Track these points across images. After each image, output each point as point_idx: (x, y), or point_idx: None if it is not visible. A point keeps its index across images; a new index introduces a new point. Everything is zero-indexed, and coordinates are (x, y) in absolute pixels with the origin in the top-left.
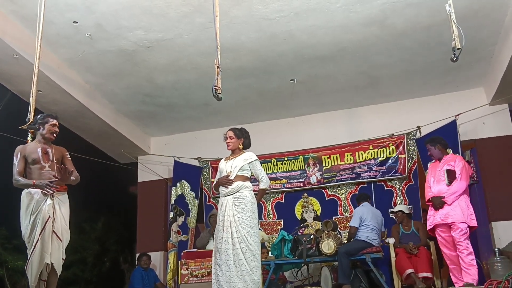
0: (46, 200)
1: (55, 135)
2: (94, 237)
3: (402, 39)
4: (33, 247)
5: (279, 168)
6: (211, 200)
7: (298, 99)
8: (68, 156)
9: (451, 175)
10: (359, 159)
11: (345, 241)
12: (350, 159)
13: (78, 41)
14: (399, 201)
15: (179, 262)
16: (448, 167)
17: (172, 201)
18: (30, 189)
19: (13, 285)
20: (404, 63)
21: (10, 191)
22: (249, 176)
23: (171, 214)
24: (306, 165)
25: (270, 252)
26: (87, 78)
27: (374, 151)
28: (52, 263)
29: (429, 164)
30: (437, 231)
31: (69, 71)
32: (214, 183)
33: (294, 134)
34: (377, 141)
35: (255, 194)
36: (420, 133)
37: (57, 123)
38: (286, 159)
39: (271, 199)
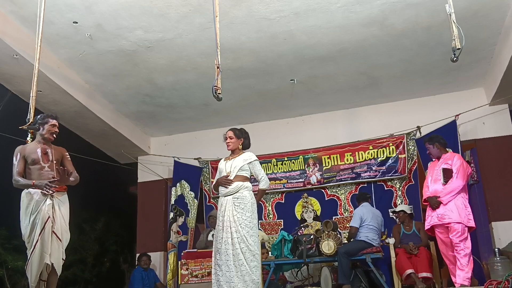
0: (45, 200)
1: (54, 135)
2: (94, 237)
3: (402, 39)
4: (32, 247)
5: (279, 168)
6: (211, 200)
7: (298, 99)
8: (68, 156)
9: (447, 174)
10: (359, 159)
11: (345, 241)
12: (350, 159)
13: (78, 41)
14: (399, 201)
15: (179, 262)
16: (445, 166)
17: (172, 201)
18: (30, 190)
19: (13, 285)
20: (404, 63)
21: (10, 191)
22: (249, 177)
23: (171, 215)
24: (306, 165)
25: (270, 252)
26: (87, 78)
27: (374, 151)
28: (52, 263)
29: (429, 163)
30: (435, 232)
31: (69, 71)
32: (213, 183)
33: (294, 134)
34: (377, 141)
35: (254, 194)
36: (420, 133)
37: (57, 124)
38: (286, 159)
39: (271, 199)
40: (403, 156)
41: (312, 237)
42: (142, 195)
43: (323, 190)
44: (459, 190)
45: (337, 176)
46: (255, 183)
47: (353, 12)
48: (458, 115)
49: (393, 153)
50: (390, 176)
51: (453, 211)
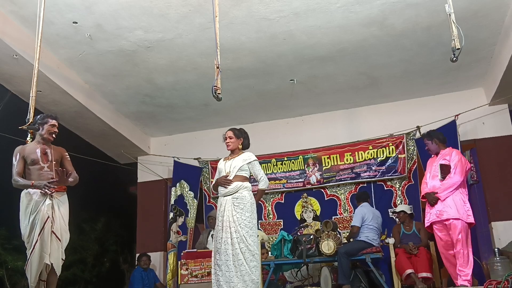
0: (45, 200)
1: (54, 135)
2: (94, 238)
3: (401, 39)
4: (32, 247)
5: (279, 168)
6: (211, 200)
7: (298, 99)
8: (68, 156)
9: (444, 170)
10: (358, 159)
11: (345, 241)
12: (350, 159)
13: (78, 42)
14: (399, 201)
15: (179, 262)
16: (443, 162)
17: (172, 202)
18: (29, 190)
19: (13, 285)
20: (404, 64)
21: (10, 191)
22: (248, 177)
23: (171, 215)
24: (305, 165)
25: (270, 253)
26: (87, 79)
27: (373, 151)
28: (51, 264)
29: (428, 160)
30: (434, 229)
31: (69, 72)
32: (213, 183)
33: (293, 134)
34: (377, 141)
35: (254, 194)
36: (420, 133)
37: (56, 124)
38: (285, 159)
39: (271, 199)
40: (403, 156)
41: (311, 237)
42: (142, 195)
43: (322, 190)
44: (457, 186)
45: (337, 176)
46: (255, 183)
47: (353, 12)
48: (458, 115)
49: (393, 153)
50: (390, 176)
51: (452, 207)
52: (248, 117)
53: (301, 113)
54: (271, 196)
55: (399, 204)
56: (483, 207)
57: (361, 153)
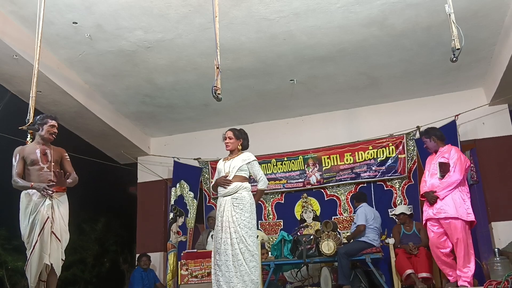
0: (45, 201)
1: (53, 136)
2: (94, 238)
3: (401, 39)
4: (32, 247)
5: (279, 168)
6: (211, 200)
7: (298, 99)
8: (67, 157)
9: (443, 168)
10: (358, 159)
11: (345, 241)
12: (350, 159)
13: (78, 42)
14: (399, 201)
15: (179, 262)
16: (441, 160)
17: (172, 202)
18: (29, 190)
19: (13, 285)
20: (404, 64)
21: (10, 191)
22: (248, 177)
23: (171, 215)
24: (305, 166)
25: (270, 253)
26: (86, 79)
27: (373, 151)
28: (51, 264)
29: (427, 158)
30: (428, 225)
31: (68, 72)
32: (212, 183)
33: (293, 135)
34: (377, 141)
35: (253, 194)
36: (420, 133)
37: (56, 124)
38: (285, 159)
39: (271, 200)
40: (402, 156)
41: (311, 237)
42: (142, 195)
43: (322, 190)
44: (457, 184)
45: (337, 176)
46: (254, 184)
47: (353, 13)
48: (457, 115)
49: (392, 153)
50: (390, 176)
51: (450, 206)
52: (248, 117)
53: (301, 113)
54: (271, 196)
55: (399, 204)
56: (483, 207)
57: (361, 153)
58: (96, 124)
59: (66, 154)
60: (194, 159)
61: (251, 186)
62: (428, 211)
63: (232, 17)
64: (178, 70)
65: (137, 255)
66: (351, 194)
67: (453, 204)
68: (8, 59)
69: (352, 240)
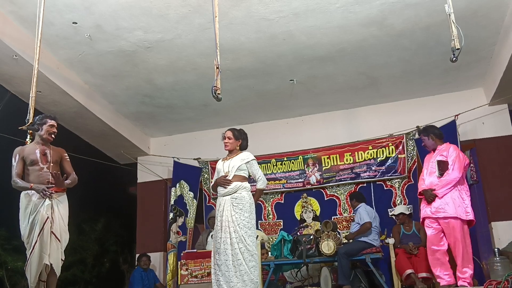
0: (44, 201)
1: (53, 136)
2: (94, 238)
3: (401, 39)
4: (31, 248)
5: (279, 168)
6: (211, 200)
7: (298, 99)
8: (67, 157)
9: (442, 166)
10: (358, 159)
11: (345, 241)
12: (350, 159)
13: (78, 42)
14: (399, 201)
15: (179, 262)
16: (440, 158)
17: (172, 202)
18: (29, 191)
19: (13, 286)
20: (403, 64)
21: (10, 192)
22: (247, 176)
23: (171, 215)
24: (305, 165)
25: (270, 253)
26: (86, 79)
27: (373, 151)
28: (51, 264)
29: (425, 156)
30: (425, 223)
31: (68, 72)
32: (212, 183)
33: (293, 135)
34: (377, 141)
35: (252, 194)
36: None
37: (55, 124)
38: (285, 159)
39: (271, 200)
40: (402, 156)
41: (311, 237)
42: (141, 195)
43: (322, 190)
44: (455, 183)
45: (337, 176)
46: (253, 184)
47: (352, 13)
48: (457, 115)
49: (392, 153)
50: (390, 176)
51: (449, 205)
52: (247, 117)
53: (300, 113)
54: (270, 196)
55: (398, 204)
56: (483, 207)
57: (361, 153)
58: (96, 124)
59: (66, 155)
60: (194, 159)
61: (251, 186)
62: (426, 210)
63: (231, 17)
64: (178, 70)
65: (137, 255)
66: (350, 193)
67: (453, 204)
68: (8, 60)
69: (351, 240)
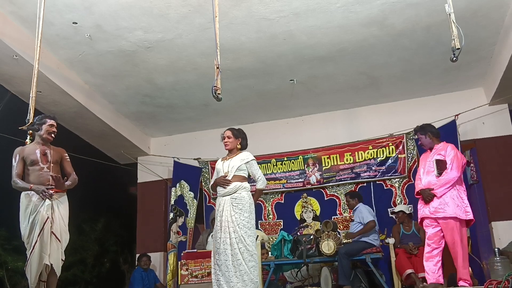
0: (44, 201)
1: (52, 135)
2: (94, 238)
3: (401, 39)
4: (32, 248)
5: (279, 168)
6: (211, 200)
7: (298, 99)
8: (67, 157)
9: (440, 165)
10: (358, 159)
11: (345, 241)
12: (350, 159)
13: (78, 42)
14: (399, 201)
15: (179, 262)
16: (437, 157)
17: (172, 202)
18: (29, 191)
19: (13, 286)
20: (404, 63)
21: (10, 192)
22: (247, 177)
23: (171, 215)
24: (305, 165)
25: (270, 253)
26: (86, 79)
27: (373, 151)
28: (51, 264)
29: (421, 155)
30: (424, 223)
31: (68, 72)
32: (211, 183)
33: (293, 135)
34: (377, 141)
35: (252, 194)
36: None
37: (55, 124)
38: (285, 159)
39: (271, 200)
40: (402, 156)
41: (312, 237)
42: (142, 195)
43: (322, 190)
44: (454, 182)
45: (337, 176)
46: (253, 184)
47: (353, 12)
48: (457, 115)
49: (392, 153)
50: (390, 176)
51: (449, 205)
52: (248, 117)
53: (301, 113)
54: (271, 196)
55: (398, 203)
56: (483, 207)
57: (361, 153)
58: (96, 124)
59: (66, 155)
60: (194, 159)
61: (250, 186)
62: (424, 210)
63: (232, 17)
64: (178, 70)
65: (137, 255)
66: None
67: (452, 203)
68: (8, 60)
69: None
